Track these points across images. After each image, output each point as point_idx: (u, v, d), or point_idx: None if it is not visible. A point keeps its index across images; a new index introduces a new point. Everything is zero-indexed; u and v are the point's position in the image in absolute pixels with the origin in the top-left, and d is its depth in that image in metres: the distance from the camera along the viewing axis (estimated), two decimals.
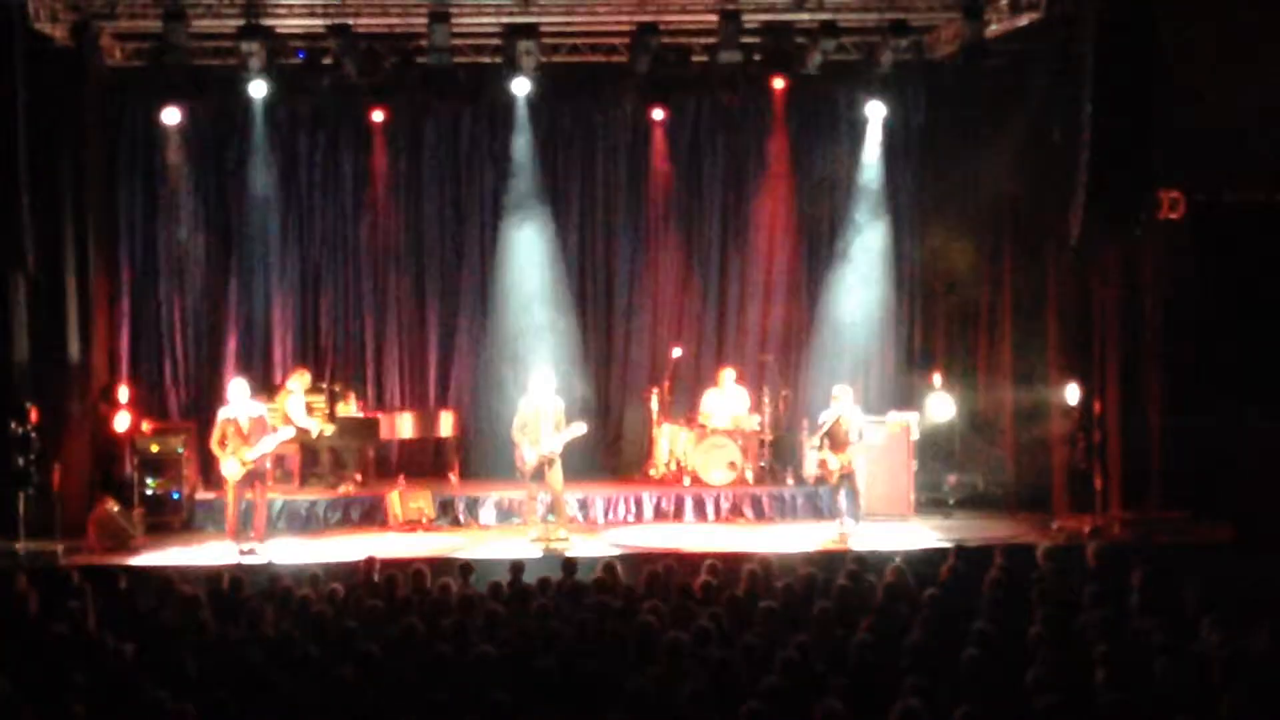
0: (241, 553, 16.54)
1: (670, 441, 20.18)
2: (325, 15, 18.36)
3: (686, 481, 19.61)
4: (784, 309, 21.49)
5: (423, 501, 18.56)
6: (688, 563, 14.22)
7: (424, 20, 18.26)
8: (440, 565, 14.46)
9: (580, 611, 11.94)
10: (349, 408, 20.01)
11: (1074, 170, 17.57)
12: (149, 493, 18.49)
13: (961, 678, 9.79)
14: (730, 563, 13.93)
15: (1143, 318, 18.76)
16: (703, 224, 21.64)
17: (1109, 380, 18.77)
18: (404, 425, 20.16)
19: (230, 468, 16.75)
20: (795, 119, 21.10)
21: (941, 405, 19.94)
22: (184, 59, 18.29)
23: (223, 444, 16.76)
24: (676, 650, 10.35)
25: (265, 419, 17.25)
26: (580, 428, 17.58)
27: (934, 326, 21.32)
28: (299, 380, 19.70)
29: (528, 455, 17.30)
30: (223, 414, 17.01)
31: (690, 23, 19.04)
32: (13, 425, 17.25)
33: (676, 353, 20.75)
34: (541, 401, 17.48)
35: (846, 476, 17.56)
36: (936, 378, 20.30)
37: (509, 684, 9.58)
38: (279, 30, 18.79)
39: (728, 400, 20.03)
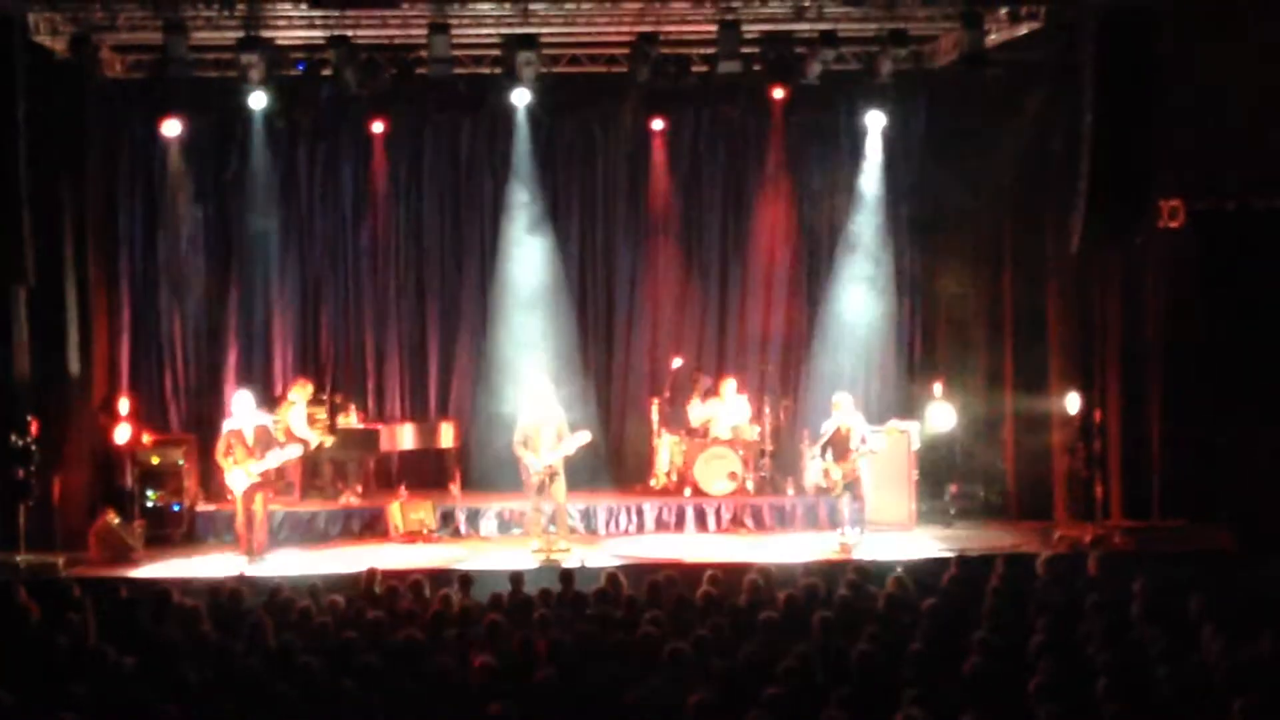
0: (248, 564, 16.52)
1: (671, 452, 20.17)
2: (325, 27, 18.37)
3: (687, 492, 19.59)
4: (784, 318, 21.45)
5: (424, 513, 18.56)
6: (689, 573, 14.18)
7: (423, 31, 18.24)
8: (441, 576, 14.45)
9: (581, 622, 11.94)
10: (349, 419, 20.00)
11: (1074, 179, 17.58)
12: (149, 505, 18.50)
13: (963, 687, 9.79)
14: (731, 573, 13.90)
15: (1143, 326, 18.76)
16: (702, 234, 21.62)
17: (1110, 389, 18.79)
18: (405, 436, 20.12)
19: (236, 480, 16.74)
20: (795, 129, 21.05)
21: (942, 414, 19.91)
22: (184, 71, 18.28)
23: (228, 455, 16.75)
24: (678, 660, 10.36)
25: (270, 430, 17.26)
26: (585, 436, 17.60)
27: (934, 335, 21.30)
28: (301, 391, 19.70)
29: (532, 468, 17.31)
30: (227, 425, 17.02)
31: (690, 33, 19.04)
32: (13, 437, 17.27)
33: (677, 363, 20.73)
34: (542, 414, 17.48)
35: (849, 486, 17.56)
36: (937, 387, 20.26)
37: (510, 695, 9.57)
38: (279, 42, 18.79)
39: (728, 410, 20.01)
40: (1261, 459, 17.80)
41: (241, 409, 17.03)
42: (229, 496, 17.24)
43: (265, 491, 16.98)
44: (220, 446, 16.91)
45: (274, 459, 16.90)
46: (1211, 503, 17.88)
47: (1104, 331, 18.95)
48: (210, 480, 18.82)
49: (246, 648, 11.23)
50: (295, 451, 17.56)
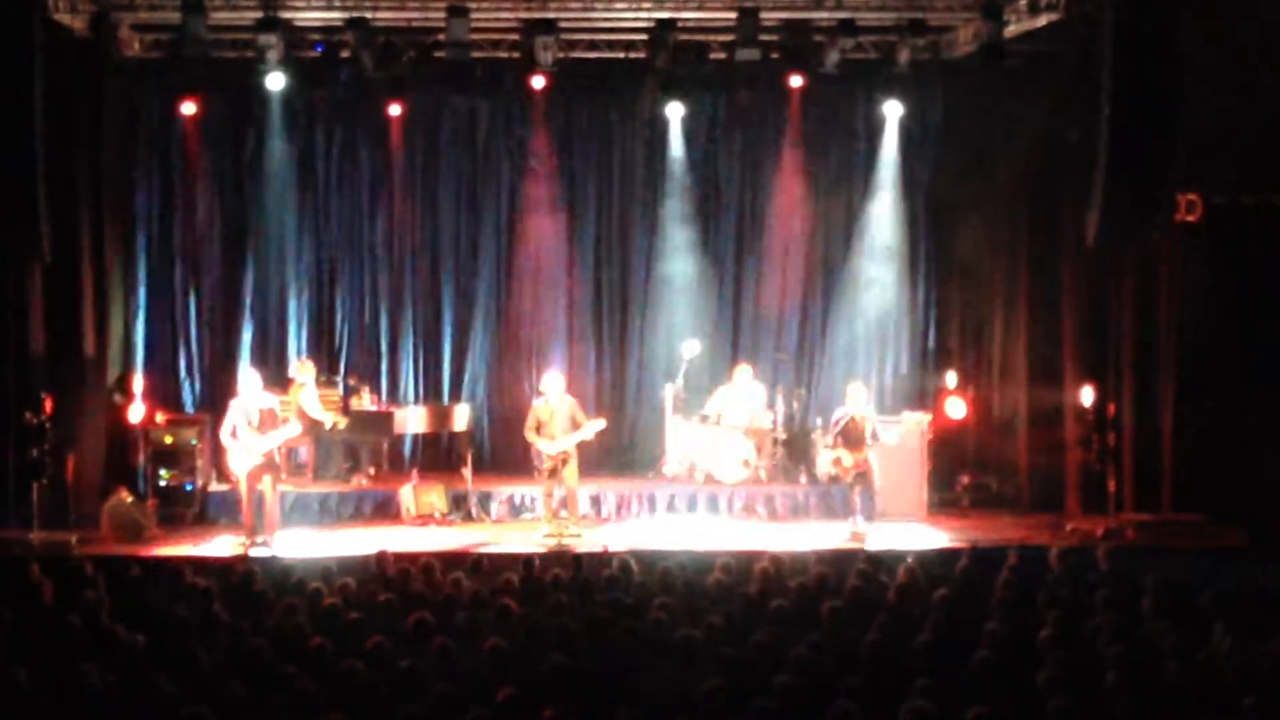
0: (255, 545, 16.54)
1: (684, 438, 20.15)
2: (343, 8, 18.41)
3: (700, 479, 19.59)
4: (799, 307, 21.46)
5: (435, 496, 18.56)
6: (700, 560, 14.19)
7: (442, 14, 18.28)
8: (452, 560, 14.45)
9: (592, 608, 11.95)
10: (363, 401, 20.01)
11: (1091, 171, 17.54)
12: (162, 484, 18.51)
13: (973, 679, 9.79)
14: (743, 561, 13.91)
15: (1158, 320, 18.74)
16: (718, 221, 21.61)
17: (1124, 382, 18.77)
18: (417, 419, 20.11)
19: (238, 459, 16.73)
20: (812, 117, 21.03)
21: (956, 405, 19.90)
22: (202, 51, 18.31)
23: (233, 435, 16.74)
24: (688, 648, 10.37)
25: (276, 411, 17.19)
26: (599, 423, 17.64)
27: (949, 326, 21.28)
28: (306, 371, 19.62)
29: (545, 454, 17.34)
30: (234, 405, 16.97)
31: (708, 20, 19.06)
32: (28, 416, 17.30)
33: (691, 349, 20.70)
34: (554, 401, 17.51)
35: (861, 475, 17.55)
36: (951, 377, 20.25)
37: (520, 680, 9.58)
38: (297, 23, 18.83)
39: (742, 397, 19.99)
40: (1275, 455, 17.77)
41: (248, 388, 17.01)
42: (232, 478, 17.24)
43: (271, 473, 16.91)
44: (225, 426, 16.88)
45: (275, 439, 16.86)
46: (1224, 498, 17.85)
47: (1119, 324, 18.92)
48: (223, 460, 18.84)
49: (257, 628, 11.25)
50: (293, 430, 17.50)
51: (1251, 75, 17.63)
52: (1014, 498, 19.79)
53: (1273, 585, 13.36)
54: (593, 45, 20.05)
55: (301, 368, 19.71)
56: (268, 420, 16.78)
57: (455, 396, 21.24)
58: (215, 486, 18.84)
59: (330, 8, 18.53)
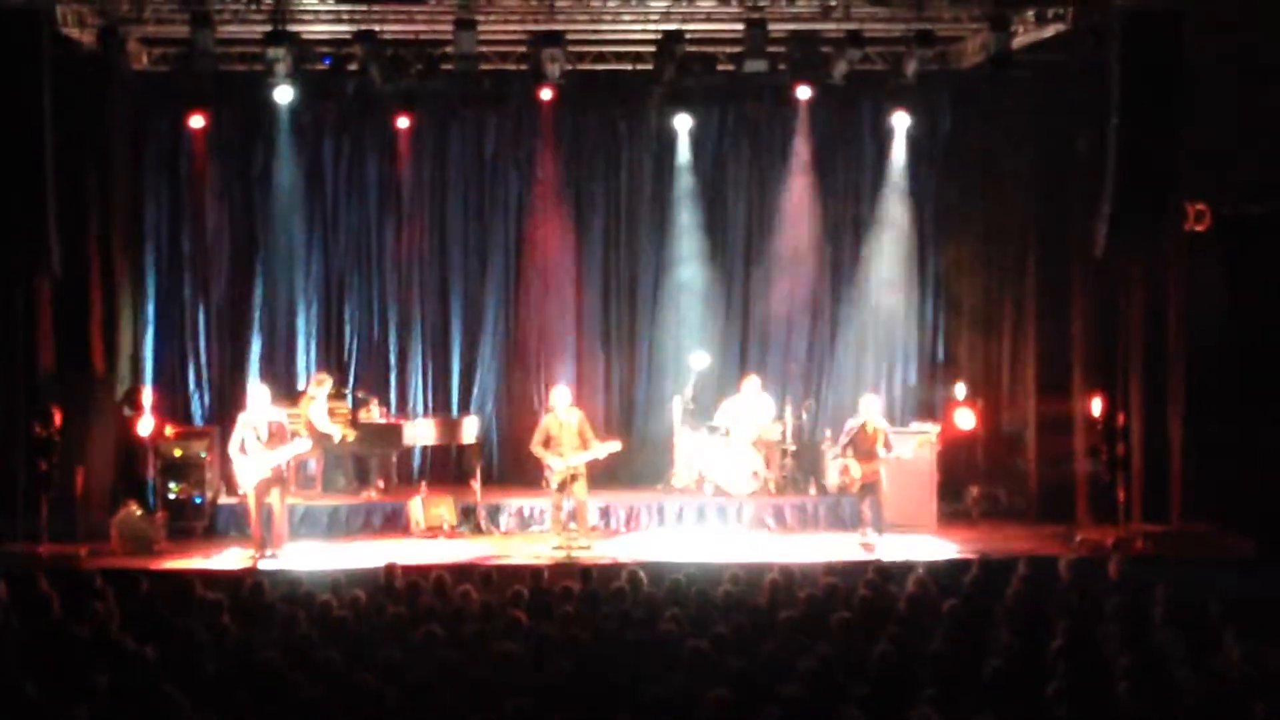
0: (263, 558, 16.55)
1: (693, 450, 20.14)
2: (351, 21, 18.41)
3: (709, 490, 19.58)
4: (807, 318, 21.46)
5: (444, 508, 18.57)
6: (709, 572, 14.18)
7: (450, 27, 18.28)
8: (461, 572, 14.46)
9: (600, 620, 11.94)
10: (372, 414, 20.02)
11: (1099, 181, 17.54)
12: (171, 497, 18.54)
13: (982, 689, 9.76)
14: (752, 572, 13.89)
15: (1167, 330, 18.70)
16: (726, 232, 21.61)
17: (1133, 392, 18.72)
18: (426, 432, 20.13)
19: (246, 473, 16.73)
20: (820, 129, 21.05)
21: (965, 416, 19.88)
22: (210, 65, 18.33)
23: (241, 449, 16.74)
24: (697, 658, 10.34)
25: (285, 425, 17.23)
26: (615, 445, 17.67)
27: (957, 337, 21.28)
28: (321, 386, 19.69)
29: (555, 468, 17.34)
30: (242, 419, 16.98)
31: (716, 31, 19.06)
32: (37, 429, 17.30)
33: (699, 361, 20.70)
34: (563, 415, 17.51)
35: (870, 486, 17.54)
36: (960, 388, 20.24)
37: (529, 692, 9.57)
38: (305, 36, 18.84)
39: (751, 409, 19.98)
40: None
41: (257, 403, 17.02)
42: (240, 491, 17.24)
43: (280, 486, 16.92)
44: (234, 440, 16.89)
45: (283, 454, 16.88)
46: (1233, 507, 17.83)
47: (1127, 334, 18.89)
48: (232, 473, 18.85)
49: (266, 641, 11.25)
50: (303, 446, 17.49)
51: (1259, 84, 17.61)
52: (1023, 508, 19.78)
53: None
54: (600, 57, 20.07)
55: (317, 382, 19.74)
56: (276, 435, 16.81)
57: (464, 409, 21.24)
58: (225, 499, 18.85)
59: (338, 21, 18.55)
